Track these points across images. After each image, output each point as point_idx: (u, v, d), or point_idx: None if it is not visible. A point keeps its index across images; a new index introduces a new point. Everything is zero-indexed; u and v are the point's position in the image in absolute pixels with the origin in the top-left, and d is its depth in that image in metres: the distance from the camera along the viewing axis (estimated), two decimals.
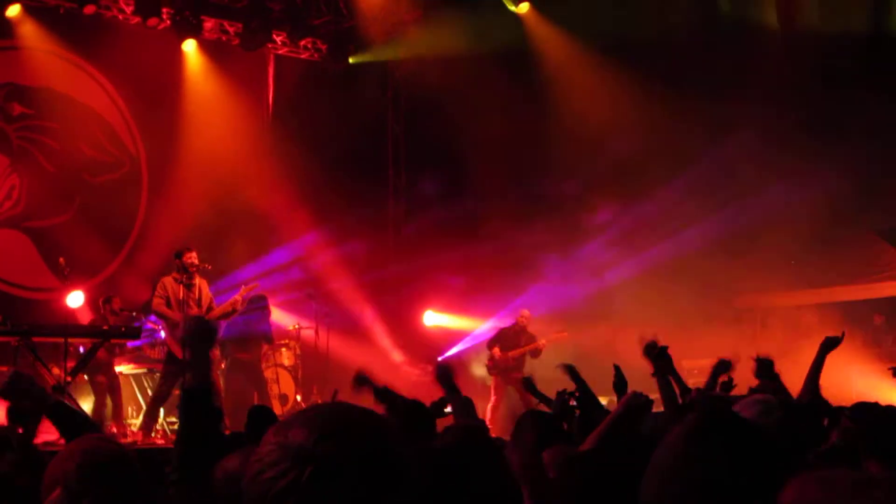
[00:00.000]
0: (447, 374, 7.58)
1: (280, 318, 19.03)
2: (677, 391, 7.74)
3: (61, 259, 14.77)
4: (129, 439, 14.31)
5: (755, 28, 19.85)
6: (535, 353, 18.28)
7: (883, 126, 18.58)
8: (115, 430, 14.83)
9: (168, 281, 14.83)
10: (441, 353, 19.95)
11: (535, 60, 21.26)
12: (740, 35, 19.70)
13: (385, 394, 7.42)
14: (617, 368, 7.98)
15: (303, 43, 21.14)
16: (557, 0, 20.41)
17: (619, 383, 7.99)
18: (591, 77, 20.49)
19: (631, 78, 19.51)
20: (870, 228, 19.83)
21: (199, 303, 14.97)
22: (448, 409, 8.15)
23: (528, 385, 9.62)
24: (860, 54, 18.82)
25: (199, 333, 4.84)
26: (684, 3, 20.42)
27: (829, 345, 8.05)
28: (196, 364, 4.75)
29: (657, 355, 7.72)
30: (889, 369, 10.50)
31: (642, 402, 6.06)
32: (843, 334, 8.29)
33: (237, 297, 15.35)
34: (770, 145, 19.28)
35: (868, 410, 6.31)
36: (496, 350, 18.32)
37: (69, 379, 13.94)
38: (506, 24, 20.96)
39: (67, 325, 14.44)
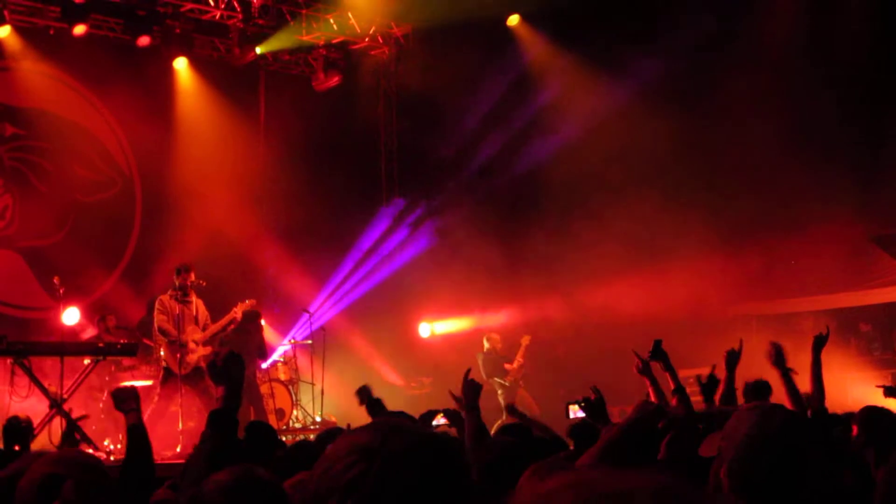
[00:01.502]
0: (473, 390, 7.50)
1: (274, 332, 19.07)
2: (672, 386, 7.86)
3: (55, 278, 14.79)
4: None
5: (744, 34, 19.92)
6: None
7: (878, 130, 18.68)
8: (110, 446, 14.82)
9: (166, 299, 14.90)
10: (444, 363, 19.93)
11: (528, 70, 21.36)
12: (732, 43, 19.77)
13: (374, 405, 7.52)
14: (656, 342, 8.14)
15: (293, 59, 21.19)
16: (548, 10, 20.47)
17: (657, 352, 8.13)
18: (580, 83, 20.60)
19: (620, 83, 19.62)
20: (865, 234, 19.87)
21: (196, 320, 15.02)
22: (437, 422, 8.21)
23: (513, 412, 9.73)
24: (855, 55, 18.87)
25: (230, 368, 4.95)
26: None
27: (820, 343, 8.10)
28: (229, 393, 4.87)
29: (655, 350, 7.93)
30: (879, 387, 10.55)
31: (653, 409, 6.08)
32: (828, 330, 8.33)
33: (233, 313, 15.42)
34: (763, 148, 19.36)
35: (877, 416, 6.39)
36: (508, 365, 18.53)
37: (66, 396, 13.94)
38: (498, 34, 21.08)
39: (63, 344, 14.45)
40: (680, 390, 7.89)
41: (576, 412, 8.73)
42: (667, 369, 8.11)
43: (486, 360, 18.72)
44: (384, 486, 2.20)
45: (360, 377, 16.28)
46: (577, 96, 20.84)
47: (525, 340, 18.86)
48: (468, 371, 7.55)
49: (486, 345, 18.93)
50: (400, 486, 2.20)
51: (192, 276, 14.88)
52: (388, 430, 2.29)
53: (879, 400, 9.96)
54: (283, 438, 12.64)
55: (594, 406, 7.84)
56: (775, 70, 19.26)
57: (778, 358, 8.04)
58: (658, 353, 8.15)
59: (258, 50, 20.24)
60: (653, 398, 7.95)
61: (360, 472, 2.21)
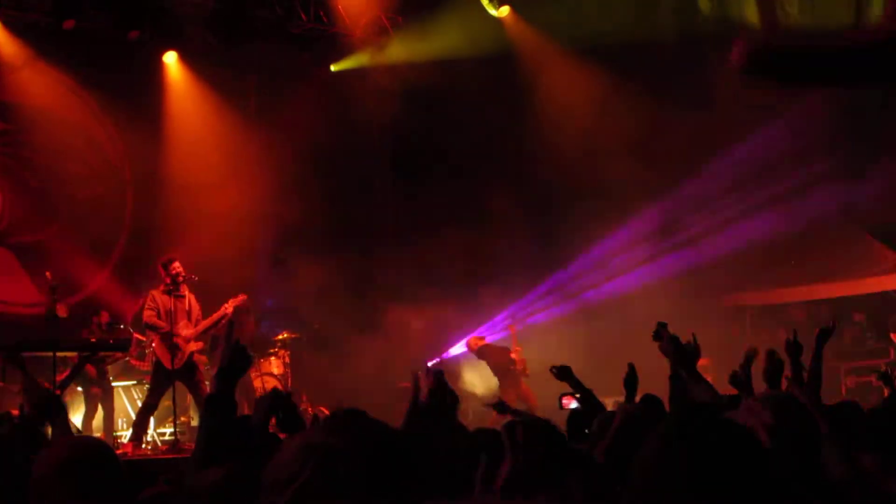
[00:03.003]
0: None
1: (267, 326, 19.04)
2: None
3: (48, 273, 14.73)
4: (119, 451, 14.27)
5: (736, 27, 19.87)
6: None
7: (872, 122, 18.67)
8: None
9: (157, 293, 14.85)
10: (431, 358, 19.93)
11: (517, 64, 21.33)
12: (721, 34, 19.72)
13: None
14: (630, 366, 8.05)
15: (284, 51, 21.12)
16: (538, 2, 20.43)
17: (631, 380, 8.06)
18: (572, 80, 20.56)
19: (612, 80, 19.58)
20: (859, 224, 19.88)
21: (188, 314, 14.98)
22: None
23: (501, 407, 9.70)
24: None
25: (236, 363, 5.09)
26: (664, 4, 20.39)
27: (825, 336, 8.01)
28: (224, 387, 5.02)
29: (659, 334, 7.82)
30: (874, 373, 10.53)
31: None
32: (834, 324, 8.27)
33: (224, 308, 15.40)
34: (765, 139, 19.37)
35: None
36: (514, 354, 18.57)
37: (58, 392, 13.89)
38: (487, 28, 21.02)
39: (56, 339, 14.40)
40: (675, 377, 7.82)
41: (570, 402, 8.67)
42: (665, 353, 7.96)
43: (491, 351, 18.85)
44: (320, 480, 2.25)
45: (354, 370, 16.33)
46: (568, 88, 20.83)
47: (511, 328, 18.93)
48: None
49: (482, 342, 19.02)
50: (335, 480, 2.24)
51: (179, 267, 14.83)
52: (332, 426, 2.37)
53: (868, 388, 10.00)
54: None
55: (564, 371, 7.87)
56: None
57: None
58: (661, 335, 8.01)
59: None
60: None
61: (300, 466, 2.27)
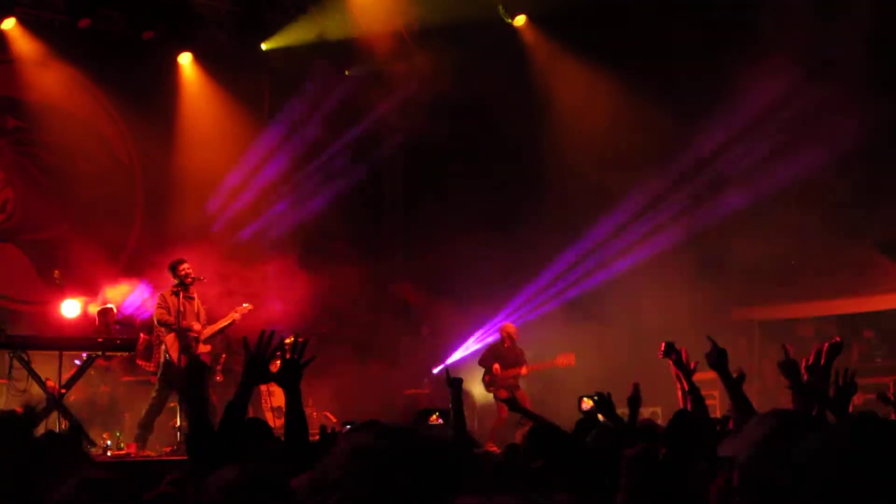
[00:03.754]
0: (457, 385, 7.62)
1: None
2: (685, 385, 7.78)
3: (56, 271, 14.75)
4: (123, 451, 14.27)
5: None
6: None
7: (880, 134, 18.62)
8: (108, 441, 14.77)
9: (167, 294, 14.89)
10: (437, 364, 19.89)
11: (532, 72, 21.34)
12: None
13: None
14: (636, 386, 8.05)
15: (298, 54, 21.12)
16: (555, 12, 20.42)
17: (634, 399, 8.06)
18: (587, 87, 20.56)
19: (627, 85, 19.59)
20: (869, 240, 19.82)
21: (197, 317, 15.01)
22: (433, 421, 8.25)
23: (514, 405, 9.70)
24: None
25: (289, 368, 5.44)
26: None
27: (834, 351, 7.86)
28: (290, 393, 5.48)
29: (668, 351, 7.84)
30: (877, 393, 10.45)
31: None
32: (842, 341, 8.13)
33: (232, 316, 15.47)
34: (772, 154, 19.34)
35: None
36: (497, 367, 18.39)
37: (64, 391, 13.91)
38: (503, 36, 21.05)
39: (62, 338, 14.41)
40: (693, 391, 7.81)
41: (588, 406, 8.71)
42: (679, 369, 7.98)
43: (492, 348, 18.84)
44: (374, 484, 2.28)
45: (359, 376, 16.32)
46: (583, 99, 20.83)
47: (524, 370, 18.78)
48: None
49: (499, 336, 18.94)
50: (389, 483, 2.28)
51: (188, 268, 14.87)
52: (381, 432, 2.41)
53: (876, 406, 9.91)
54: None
55: (605, 401, 7.87)
56: (776, 66, 19.21)
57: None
58: (670, 352, 8.02)
59: (263, 46, 20.23)
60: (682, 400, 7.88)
61: (353, 470, 2.31)
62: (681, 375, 7.88)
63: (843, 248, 19.40)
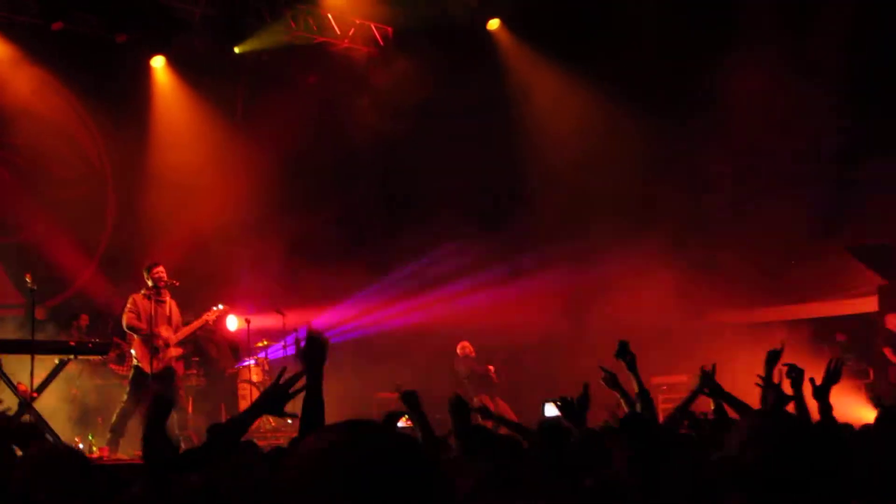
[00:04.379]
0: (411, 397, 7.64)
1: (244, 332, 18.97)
2: (635, 389, 7.91)
3: (27, 275, 14.66)
4: (95, 455, 14.21)
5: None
6: None
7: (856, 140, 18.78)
8: (80, 444, 14.71)
9: (138, 297, 14.79)
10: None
11: (504, 75, 21.45)
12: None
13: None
14: (585, 386, 8.08)
15: (272, 58, 21.11)
16: (527, 14, 20.52)
17: (583, 401, 8.11)
18: (558, 90, 20.67)
19: (599, 89, 19.69)
20: (842, 245, 19.91)
21: (169, 320, 14.94)
22: (401, 424, 8.27)
23: (486, 413, 9.76)
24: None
25: (314, 347, 5.11)
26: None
27: (773, 359, 7.95)
28: (312, 375, 5.04)
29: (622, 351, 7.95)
30: (871, 399, 10.59)
31: None
32: (783, 345, 8.18)
33: (206, 318, 15.43)
34: (742, 159, 19.43)
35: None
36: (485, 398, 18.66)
37: (35, 395, 13.84)
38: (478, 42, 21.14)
39: (34, 342, 14.34)
40: (643, 394, 7.93)
41: (552, 410, 8.78)
42: (631, 370, 8.10)
43: (466, 371, 18.96)
44: (352, 487, 2.17)
45: (329, 380, 16.26)
46: (557, 102, 20.91)
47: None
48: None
49: (460, 352, 19.11)
50: (367, 486, 2.18)
51: (163, 272, 14.79)
52: (356, 430, 2.28)
53: (852, 413, 10.02)
54: (257, 441, 12.59)
55: (569, 406, 7.91)
56: (754, 73, 19.29)
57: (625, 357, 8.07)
58: (624, 352, 8.15)
59: (237, 49, 20.21)
60: (624, 409, 7.97)
61: (330, 472, 2.20)
62: (632, 378, 8.01)
63: (816, 252, 19.50)
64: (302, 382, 5.08)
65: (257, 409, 5.20)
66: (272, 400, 5.10)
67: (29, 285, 14.53)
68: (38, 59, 18.73)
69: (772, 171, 19.24)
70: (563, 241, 20.31)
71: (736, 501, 3.19)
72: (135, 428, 15.04)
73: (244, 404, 17.31)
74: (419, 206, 21.48)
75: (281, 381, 5.07)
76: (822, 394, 7.12)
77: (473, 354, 19.09)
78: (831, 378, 7.25)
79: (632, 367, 8.13)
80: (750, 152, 19.53)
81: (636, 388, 7.98)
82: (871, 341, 18.93)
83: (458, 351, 19.18)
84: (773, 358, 7.87)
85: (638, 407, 7.76)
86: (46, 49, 18.60)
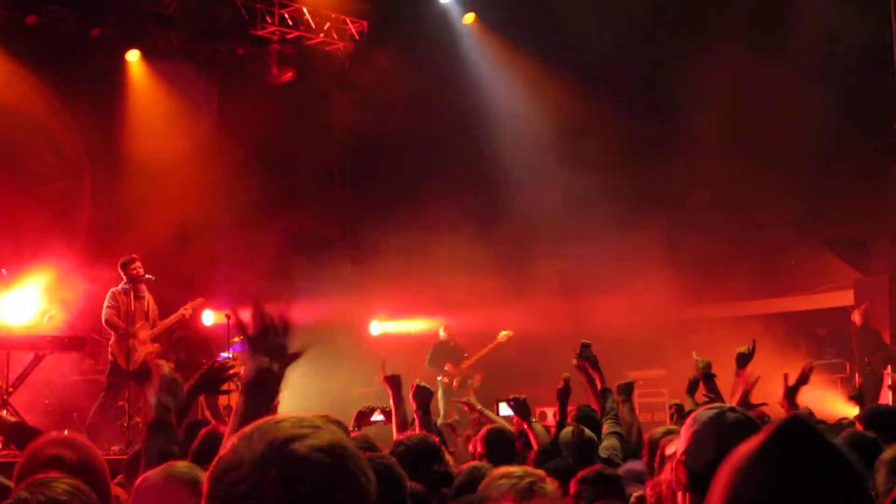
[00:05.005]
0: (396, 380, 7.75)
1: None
2: (599, 385, 8.06)
3: (2, 269, 14.59)
4: None
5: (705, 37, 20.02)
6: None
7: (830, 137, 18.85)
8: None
9: (117, 293, 14.72)
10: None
11: (480, 71, 21.46)
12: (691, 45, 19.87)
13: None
14: (584, 344, 8.27)
15: (248, 53, 21.08)
16: (501, 9, 20.57)
17: (564, 393, 8.24)
18: (535, 85, 20.72)
19: (577, 86, 19.73)
20: (818, 239, 20.01)
21: (146, 315, 14.88)
22: (375, 418, 8.36)
23: (471, 405, 9.84)
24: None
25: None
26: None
27: (743, 360, 7.98)
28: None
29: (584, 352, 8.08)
30: (850, 398, 10.72)
31: None
32: (754, 344, 8.23)
33: (182, 311, 15.37)
34: (717, 155, 19.47)
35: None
36: (449, 365, 18.61)
37: (11, 390, 13.80)
38: (454, 35, 21.16)
39: (10, 337, 14.30)
40: (604, 392, 8.03)
41: (505, 410, 8.91)
42: (594, 370, 8.24)
43: (434, 350, 19.00)
44: (280, 498, 2.06)
45: (309, 375, 16.28)
46: (533, 97, 20.95)
47: (502, 337, 19.12)
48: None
49: (442, 334, 19.18)
50: (297, 497, 2.07)
51: (139, 267, 14.70)
52: (284, 436, 2.12)
53: (828, 406, 10.10)
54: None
55: (522, 405, 8.08)
56: (730, 73, 19.35)
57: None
58: (586, 354, 8.30)
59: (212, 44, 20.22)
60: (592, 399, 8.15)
61: (256, 482, 2.07)
62: (594, 378, 8.12)
63: (794, 246, 19.59)
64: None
65: (195, 389, 5.42)
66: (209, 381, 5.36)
67: (3, 276, 14.49)
68: (12, 52, 18.61)
69: (751, 165, 19.28)
70: (543, 237, 20.35)
71: None
72: (111, 424, 15.02)
73: (223, 398, 17.23)
74: (403, 201, 21.45)
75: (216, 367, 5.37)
76: (791, 395, 7.17)
77: (455, 340, 19.20)
78: (801, 381, 7.32)
79: (594, 366, 8.25)
80: (729, 147, 19.58)
81: (599, 387, 8.11)
82: (847, 336, 19.02)
83: (441, 332, 19.40)
84: (742, 359, 7.93)
85: (603, 404, 7.92)
86: (20, 43, 18.48)
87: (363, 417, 8.76)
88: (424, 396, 7.68)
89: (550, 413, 15.70)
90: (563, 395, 8.48)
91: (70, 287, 17.74)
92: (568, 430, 7.20)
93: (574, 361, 8.37)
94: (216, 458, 2.16)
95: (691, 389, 8.68)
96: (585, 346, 8.34)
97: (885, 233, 19.44)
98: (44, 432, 5.72)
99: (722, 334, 17.99)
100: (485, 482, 4.40)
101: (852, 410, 11.25)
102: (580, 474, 5.51)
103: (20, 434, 5.94)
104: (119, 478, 6.11)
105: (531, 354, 19.25)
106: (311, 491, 2.07)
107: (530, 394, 9.17)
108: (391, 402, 7.84)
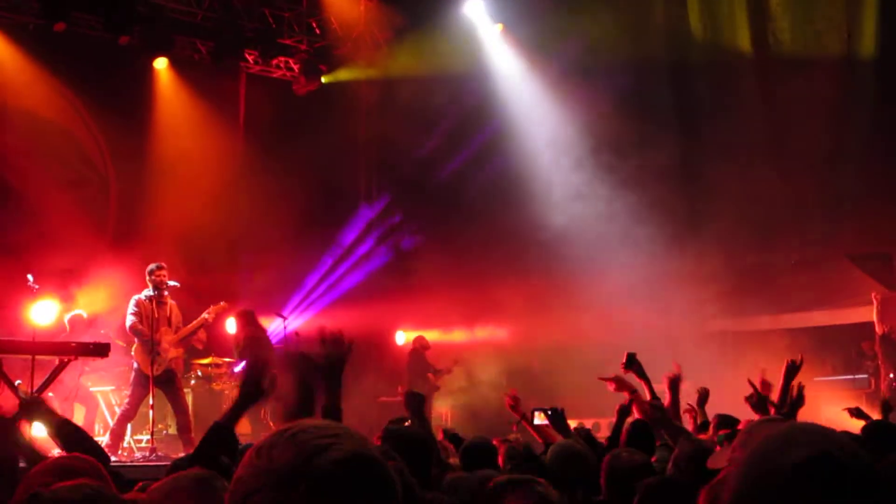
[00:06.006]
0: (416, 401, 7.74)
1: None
2: (648, 394, 8.02)
3: (29, 275, 14.62)
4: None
5: (729, 52, 20.00)
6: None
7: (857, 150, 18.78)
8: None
9: (140, 300, 14.74)
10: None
11: (509, 82, 21.46)
12: (714, 59, 19.85)
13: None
14: (630, 354, 8.28)
15: (275, 62, 21.14)
16: (530, 22, 20.52)
17: (631, 362, 8.27)
18: (558, 98, 20.71)
19: (602, 99, 19.70)
20: (842, 253, 19.93)
21: (169, 322, 14.89)
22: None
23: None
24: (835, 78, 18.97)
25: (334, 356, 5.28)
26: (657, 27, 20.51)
27: (792, 371, 8.08)
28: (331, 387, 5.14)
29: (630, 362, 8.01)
30: (845, 410, 10.69)
31: None
32: (801, 359, 8.30)
33: (207, 315, 15.36)
34: (743, 167, 19.44)
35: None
36: (431, 376, 18.80)
37: (35, 395, 13.80)
38: (476, 45, 21.17)
39: (35, 342, 14.31)
40: (655, 400, 7.98)
41: (541, 419, 8.85)
42: (642, 378, 8.22)
43: (410, 361, 19.08)
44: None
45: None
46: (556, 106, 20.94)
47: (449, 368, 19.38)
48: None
49: (413, 345, 19.49)
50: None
51: (165, 276, 14.72)
52: (310, 448, 2.02)
53: (849, 421, 10.03)
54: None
55: (558, 416, 8.05)
56: (750, 80, 19.35)
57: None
58: (632, 363, 8.28)
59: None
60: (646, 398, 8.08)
61: (283, 499, 1.98)
62: (643, 387, 8.11)
63: (817, 260, 19.51)
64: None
65: (239, 407, 5.20)
66: (251, 398, 5.14)
67: (30, 285, 14.51)
68: (40, 60, 18.69)
69: (771, 176, 19.23)
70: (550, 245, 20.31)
71: None
72: (134, 431, 15.06)
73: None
74: (431, 211, 21.49)
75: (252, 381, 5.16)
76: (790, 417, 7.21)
77: (425, 351, 19.72)
78: (789, 377, 7.39)
79: (641, 375, 8.24)
80: (747, 158, 19.55)
81: (649, 396, 8.08)
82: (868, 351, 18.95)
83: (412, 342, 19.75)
84: (791, 371, 7.99)
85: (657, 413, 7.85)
86: (48, 50, 18.56)
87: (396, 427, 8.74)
88: (413, 402, 7.71)
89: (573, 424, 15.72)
90: (624, 413, 8.39)
91: (94, 293, 17.82)
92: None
93: (620, 372, 8.36)
94: (235, 475, 2.07)
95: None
96: (631, 357, 8.33)
97: None
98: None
99: (745, 347, 17.98)
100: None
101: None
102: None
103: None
104: (140, 485, 6.10)
105: (541, 367, 19.33)
106: (340, 502, 1.99)
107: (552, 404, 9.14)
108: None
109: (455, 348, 20.71)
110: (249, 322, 17.15)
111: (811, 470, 2.12)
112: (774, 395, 8.04)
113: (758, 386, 8.32)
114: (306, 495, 1.97)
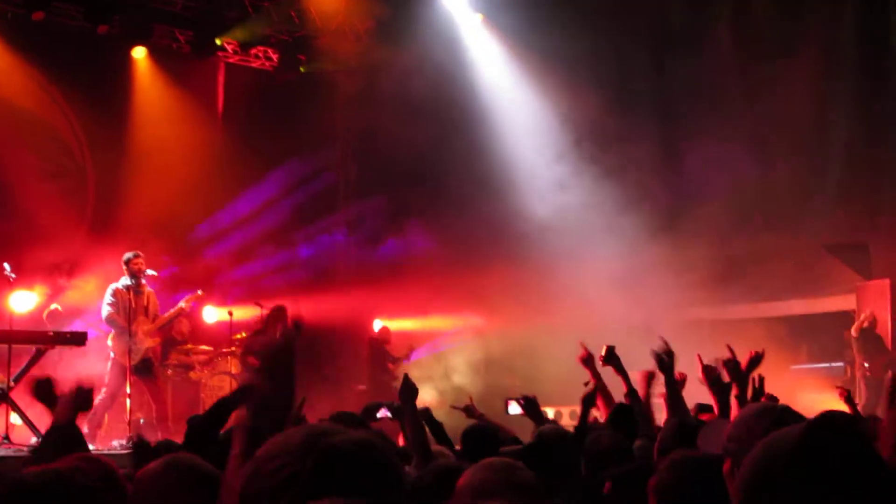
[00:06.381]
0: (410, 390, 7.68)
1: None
2: (625, 387, 8.06)
3: (3, 264, 14.59)
4: None
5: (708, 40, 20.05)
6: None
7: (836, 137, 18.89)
8: None
9: (117, 289, 14.74)
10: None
11: (490, 72, 21.48)
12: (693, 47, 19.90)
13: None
14: (609, 347, 8.31)
15: (254, 51, 21.12)
16: (510, 11, 20.53)
17: (610, 357, 8.30)
18: (540, 88, 20.73)
19: (585, 89, 19.73)
20: (818, 243, 20.01)
21: (146, 311, 14.90)
22: (380, 415, 8.29)
23: (470, 411, 9.86)
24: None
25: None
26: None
27: (755, 362, 7.97)
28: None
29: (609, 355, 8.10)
30: (838, 388, 10.72)
31: None
32: (763, 352, 8.20)
33: (183, 304, 15.38)
34: (724, 155, 19.51)
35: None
36: (391, 366, 18.97)
37: (13, 384, 13.80)
38: (457, 35, 21.17)
39: (12, 331, 14.30)
40: (632, 393, 8.05)
41: (515, 409, 8.88)
42: (619, 373, 8.26)
43: (370, 353, 19.57)
44: (316, 487, 2.16)
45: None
46: (537, 97, 20.96)
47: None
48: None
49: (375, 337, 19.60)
50: (332, 487, 2.16)
51: (143, 264, 14.73)
52: (319, 431, 2.26)
53: (827, 407, 10.11)
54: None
55: (532, 404, 8.07)
56: (738, 74, 19.42)
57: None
58: (611, 357, 8.32)
59: (218, 41, 20.23)
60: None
61: (292, 473, 2.18)
62: (620, 379, 8.16)
63: (795, 250, 19.59)
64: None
65: (222, 408, 5.23)
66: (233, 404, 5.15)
67: (6, 275, 14.50)
68: (18, 49, 18.64)
69: (749, 165, 19.31)
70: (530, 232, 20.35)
71: None
72: (112, 420, 15.07)
73: (223, 395, 17.22)
74: (409, 200, 21.51)
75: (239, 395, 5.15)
76: (740, 379, 7.18)
77: (385, 340, 19.86)
78: (758, 394, 7.35)
79: (620, 369, 8.28)
80: (728, 145, 19.62)
81: (625, 389, 8.13)
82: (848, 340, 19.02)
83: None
84: (753, 362, 7.92)
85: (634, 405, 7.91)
86: (26, 39, 18.51)
87: (369, 412, 8.71)
88: (408, 394, 7.63)
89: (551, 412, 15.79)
90: (588, 402, 8.36)
91: (72, 282, 17.81)
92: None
93: (599, 364, 8.39)
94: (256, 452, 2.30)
95: None
96: (611, 350, 8.38)
97: (886, 237, 19.44)
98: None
99: (722, 336, 18.04)
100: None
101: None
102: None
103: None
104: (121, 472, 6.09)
105: (521, 356, 19.40)
106: (345, 477, 2.19)
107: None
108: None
109: (425, 336, 20.75)
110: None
111: (816, 429, 2.23)
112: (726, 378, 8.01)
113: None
114: (314, 468, 2.19)
